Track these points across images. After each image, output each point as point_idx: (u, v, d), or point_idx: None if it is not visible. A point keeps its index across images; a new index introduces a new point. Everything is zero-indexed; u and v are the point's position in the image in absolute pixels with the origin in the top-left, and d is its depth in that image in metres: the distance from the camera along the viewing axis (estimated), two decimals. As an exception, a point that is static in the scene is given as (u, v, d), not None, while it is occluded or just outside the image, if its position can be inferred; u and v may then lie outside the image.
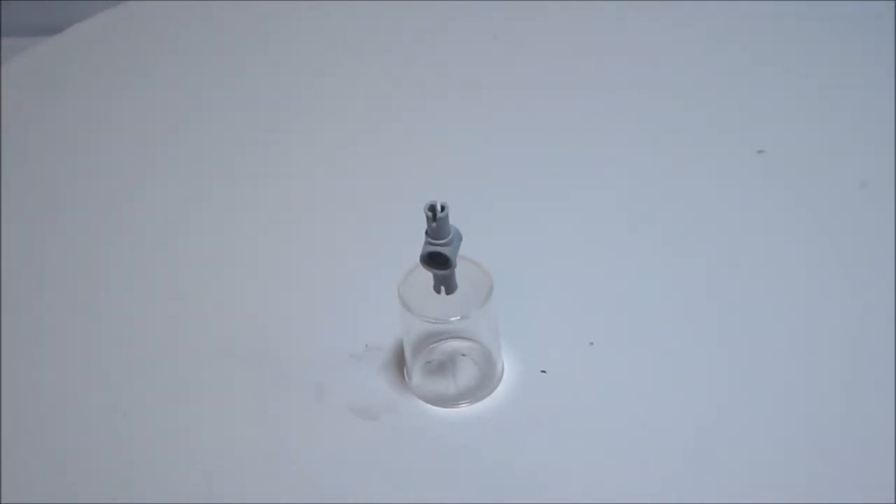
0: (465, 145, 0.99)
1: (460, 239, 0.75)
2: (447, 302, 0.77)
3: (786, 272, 0.87)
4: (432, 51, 1.08)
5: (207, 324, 0.86)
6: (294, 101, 1.04)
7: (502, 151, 0.98)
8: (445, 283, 0.77)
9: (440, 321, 0.77)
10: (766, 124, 0.98)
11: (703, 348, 0.82)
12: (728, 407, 0.79)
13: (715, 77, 1.03)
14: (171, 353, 0.84)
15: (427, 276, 0.77)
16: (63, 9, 1.17)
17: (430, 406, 0.80)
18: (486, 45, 1.08)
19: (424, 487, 0.76)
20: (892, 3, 1.06)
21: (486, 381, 0.81)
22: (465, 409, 0.80)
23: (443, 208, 0.73)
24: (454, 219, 0.75)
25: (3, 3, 1.65)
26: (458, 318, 0.77)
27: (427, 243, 0.75)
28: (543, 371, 0.82)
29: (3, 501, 0.77)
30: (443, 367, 0.82)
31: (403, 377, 0.81)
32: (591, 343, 0.83)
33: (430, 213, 0.73)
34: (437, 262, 0.75)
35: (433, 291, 0.77)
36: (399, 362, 0.82)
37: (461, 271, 0.77)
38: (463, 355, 0.83)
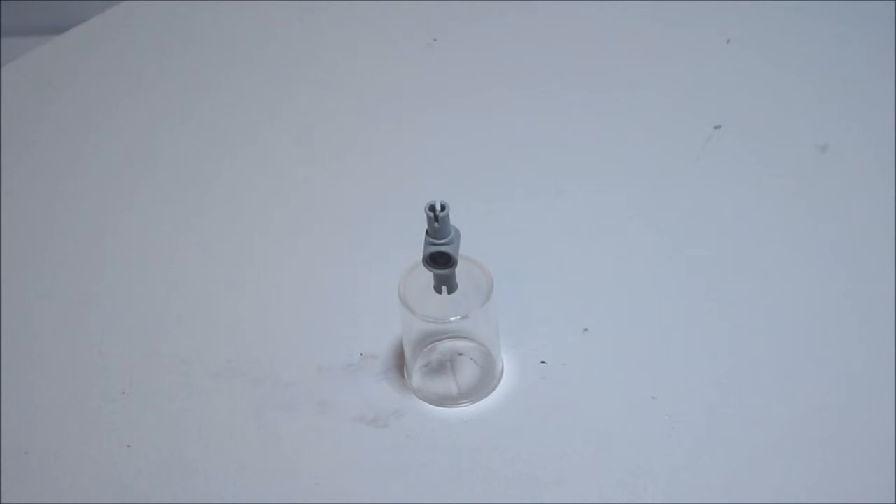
0: (464, 145, 0.99)
1: (459, 236, 0.75)
2: (447, 302, 0.77)
3: (777, 255, 0.87)
4: (431, 50, 1.08)
5: (204, 338, 0.85)
6: (293, 101, 1.04)
7: (502, 151, 0.98)
8: (447, 283, 0.77)
9: (440, 321, 0.77)
10: (721, 100, 1.00)
11: (704, 348, 0.82)
12: (728, 405, 0.79)
13: (714, 76, 1.03)
14: (166, 373, 0.83)
15: (427, 276, 0.77)
16: (63, 9, 1.17)
17: (430, 406, 0.80)
18: (486, 45, 1.08)
19: (425, 487, 0.76)
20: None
21: (486, 381, 0.81)
22: (465, 409, 0.80)
23: (443, 208, 0.73)
24: (454, 219, 0.75)
25: (2, 3, 1.64)
26: (459, 317, 0.77)
27: (429, 244, 0.75)
28: (543, 362, 0.82)
29: (3, 501, 0.77)
30: (443, 366, 0.82)
31: (403, 377, 0.81)
32: (586, 330, 0.83)
33: (432, 214, 0.73)
34: (441, 261, 0.75)
35: (433, 291, 0.78)
36: (398, 364, 0.82)
37: (461, 271, 0.77)
38: (461, 355, 0.83)
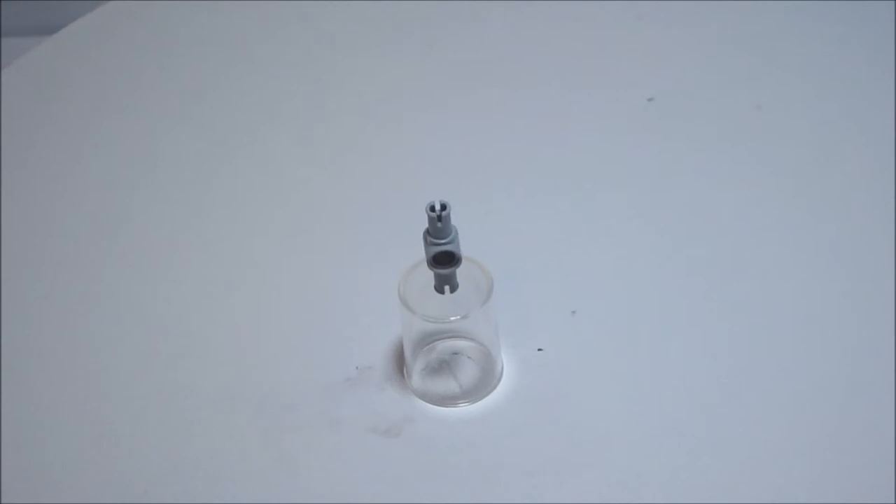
0: (463, 145, 0.99)
1: (458, 234, 0.75)
2: (447, 301, 0.77)
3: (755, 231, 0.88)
4: (431, 50, 1.08)
5: (197, 364, 0.83)
6: (292, 101, 1.04)
7: (502, 151, 0.98)
8: (449, 282, 0.77)
9: (440, 321, 0.77)
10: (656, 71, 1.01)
11: (705, 348, 0.82)
12: (729, 406, 0.79)
13: (715, 76, 1.03)
14: (164, 410, 0.82)
15: (426, 276, 0.77)
16: (63, 9, 1.17)
17: (430, 405, 0.80)
18: (485, 45, 1.08)
19: (424, 486, 0.76)
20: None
21: (485, 381, 0.81)
22: (465, 409, 0.80)
23: (444, 207, 0.73)
24: (453, 219, 0.75)
25: (2, 3, 1.65)
26: (459, 317, 0.77)
27: (431, 244, 0.75)
28: (540, 349, 0.82)
29: (3, 501, 0.77)
30: (443, 366, 0.82)
31: (404, 384, 0.81)
32: (574, 312, 0.83)
33: (434, 213, 0.73)
34: (446, 260, 0.75)
35: (433, 291, 0.78)
36: (398, 366, 0.82)
37: (461, 271, 0.77)
38: (461, 354, 0.83)
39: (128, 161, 0.99)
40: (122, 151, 1.00)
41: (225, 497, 0.76)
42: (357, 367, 0.82)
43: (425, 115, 1.02)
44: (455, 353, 0.83)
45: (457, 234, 0.75)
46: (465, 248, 0.76)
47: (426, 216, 0.74)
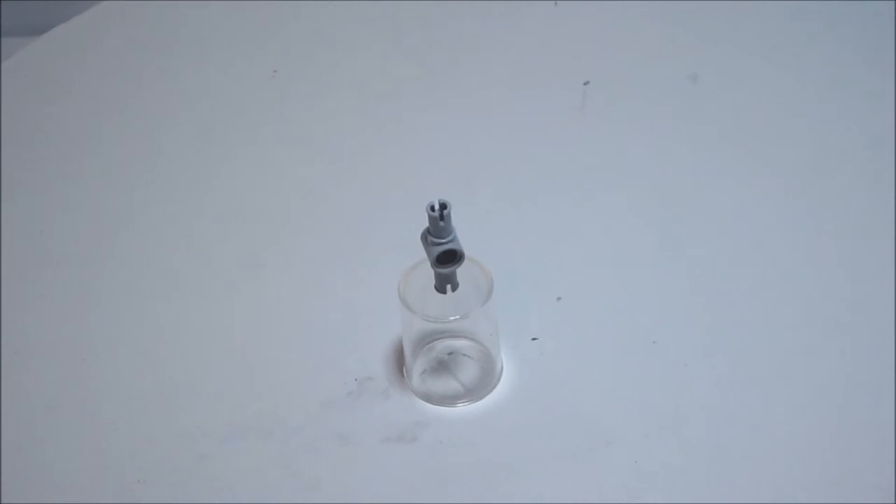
0: (463, 145, 0.99)
1: (455, 230, 0.76)
2: (447, 301, 0.77)
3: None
4: (430, 51, 1.08)
5: (199, 397, 0.82)
6: (291, 101, 1.04)
7: (501, 151, 0.98)
8: (451, 281, 0.77)
9: (441, 320, 0.78)
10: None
11: (711, 351, 0.83)
12: (729, 406, 0.79)
13: (716, 78, 1.03)
14: (174, 449, 0.80)
15: (426, 276, 0.77)
16: (63, 9, 1.17)
17: (429, 405, 0.80)
18: (484, 46, 1.08)
19: (424, 486, 0.76)
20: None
21: (485, 380, 0.81)
22: (464, 408, 0.80)
23: (444, 206, 0.73)
24: (453, 219, 0.75)
25: (2, 3, 1.65)
26: (459, 317, 0.77)
27: (433, 244, 0.75)
28: (534, 339, 0.82)
29: (3, 502, 0.77)
30: (443, 366, 0.82)
31: (407, 391, 0.81)
32: (559, 298, 0.83)
33: (437, 213, 0.73)
34: (450, 258, 0.75)
35: (433, 291, 0.78)
36: (398, 365, 0.82)
37: (461, 271, 0.77)
38: (453, 354, 0.83)
39: (124, 161, 0.99)
40: (116, 151, 1.00)
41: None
42: (356, 380, 0.81)
43: (423, 115, 1.02)
44: (455, 353, 0.83)
45: (455, 231, 0.75)
46: (465, 248, 0.76)
47: (426, 217, 0.74)
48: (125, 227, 0.94)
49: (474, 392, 0.81)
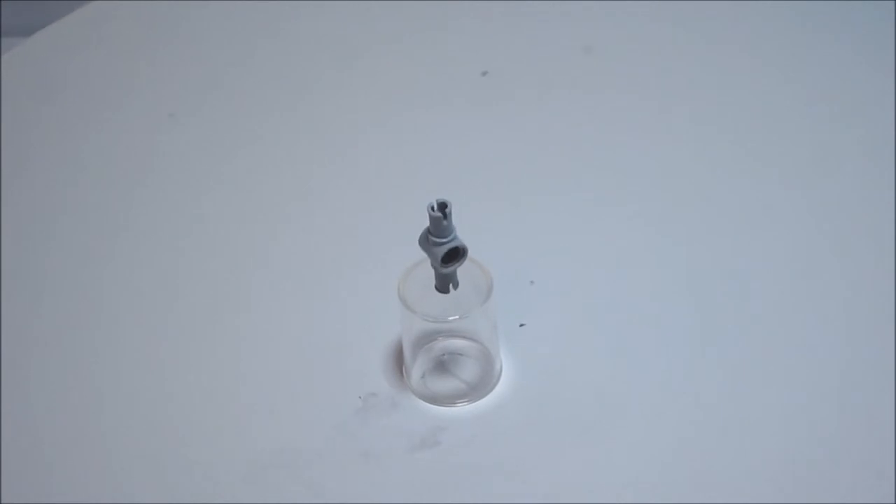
0: (462, 145, 0.99)
1: None
2: (447, 301, 0.77)
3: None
4: (430, 51, 1.08)
5: (209, 436, 0.80)
6: (289, 101, 1.04)
7: (501, 151, 0.98)
8: (453, 280, 0.77)
9: (440, 320, 0.77)
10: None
11: (709, 351, 0.82)
12: (729, 407, 0.79)
13: (715, 78, 1.03)
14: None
15: (426, 275, 0.77)
16: (63, 9, 1.17)
17: (429, 405, 0.80)
18: (485, 46, 1.08)
19: (423, 485, 0.76)
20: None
21: (485, 380, 0.81)
22: (464, 408, 0.80)
23: (445, 205, 0.73)
24: (453, 219, 0.75)
25: (2, 3, 1.65)
26: (458, 316, 0.77)
27: (435, 244, 0.74)
28: (522, 325, 0.82)
29: (3, 502, 0.77)
30: (442, 365, 0.82)
31: (402, 377, 0.81)
32: (532, 282, 0.83)
33: (440, 213, 0.73)
34: (455, 255, 0.75)
35: (432, 291, 0.78)
36: (397, 365, 0.82)
37: (461, 270, 0.77)
38: (457, 354, 0.83)
39: (122, 161, 0.99)
40: (111, 151, 1.00)
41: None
42: (360, 397, 0.80)
43: (423, 115, 1.02)
44: (454, 353, 0.83)
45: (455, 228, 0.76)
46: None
47: (427, 218, 0.74)
48: (120, 228, 0.94)
49: (473, 392, 0.81)
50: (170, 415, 0.81)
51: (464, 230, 0.76)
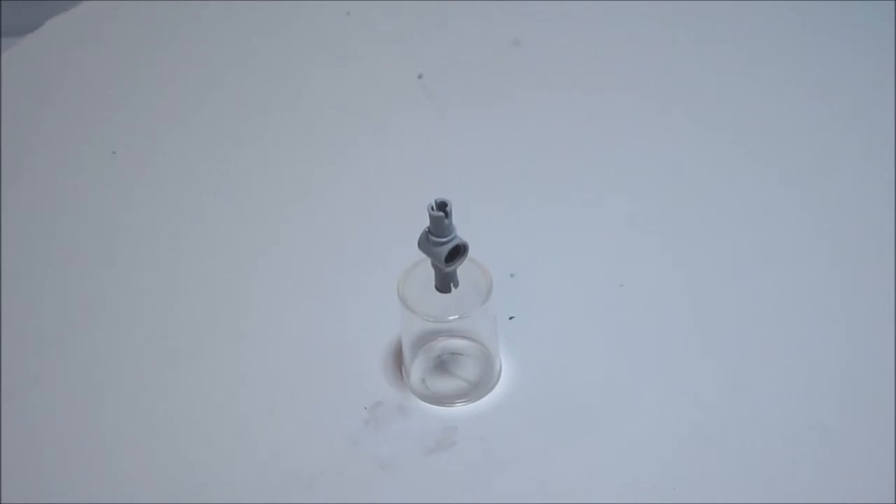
0: (462, 145, 0.99)
1: None
2: (447, 301, 0.77)
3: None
4: (429, 51, 1.08)
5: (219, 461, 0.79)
6: (289, 101, 1.04)
7: (502, 151, 0.98)
8: (454, 279, 0.77)
9: (440, 320, 0.77)
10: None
11: (707, 351, 0.83)
12: (725, 411, 0.79)
13: (715, 78, 1.03)
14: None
15: (425, 275, 0.77)
16: (63, 9, 1.17)
17: (428, 405, 0.80)
18: (485, 46, 1.08)
19: (422, 485, 0.76)
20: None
21: (484, 380, 0.81)
22: (463, 408, 0.80)
23: (445, 204, 0.73)
24: (454, 219, 0.75)
25: (2, 3, 1.65)
26: (458, 316, 0.77)
27: (438, 244, 0.74)
28: (511, 317, 0.82)
29: (3, 502, 0.77)
30: (442, 365, 0.82)
31: (402, 377, 0.81)
32: (512, 275, 0.83)
33: (442, 212, 0.73)
34: (458, 253, 0.75)
35: (432, 290, 0.78)
36: (396, 365, 0.82)
37: (460, 270, 0.77)
38: (457, 353, 0.83)
39: (122, 161, 0.99)
40: (111, 151, 1.00)
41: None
42: (366, 408, 0.80)
43: (423, 115, 1.02)
44: (454, 353, 0.83)
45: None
46: (465, 247, 0.77)
47: (427, 218, 0.74)
48: (120, 229, 0.93)
49: (470, 392, 0.81)
50: (170, 417, 0.81)
51: (463, 230, 0.76)
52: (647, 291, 0.86)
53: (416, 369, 0.82)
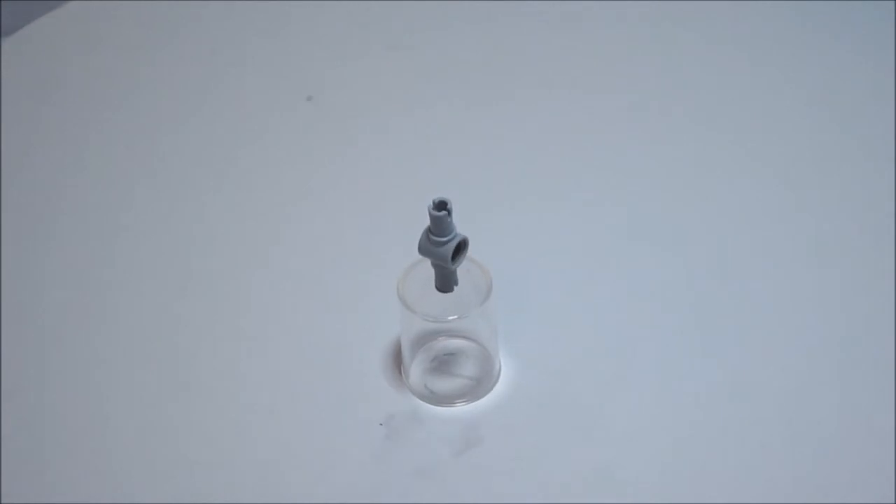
0: (462, 145, 0.99)
1: None
2: (447, 300, 0.77)
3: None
4: (430, 50, 1.08)
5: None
6: (289, 101, 1.04)
7: (501, 151, 0.98)
8: (454, 278, 0.77)
9: (440, 320, 0.77)
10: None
11: (706, 351, 0.82)
12: (725, 411, 0.79)
13: (715, 78, 1.03)
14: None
15: (425, 275, 0.77)
16: (53, 8, 1.17)
17: (427, 405, 0.80)
18: (488, 46, 1.08)
19: (421, 485, 0.76)
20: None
21: (484, 380, 0.81)
22: (463, 408, 0.80)
23: (445, 203, 0.73)
24: (454, 219, 0.75)
25: (2, 3, 1.65)
26: (457, 316, 0.77)
27: (441, 243, 0.74)
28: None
29: (3, 502, 0.77)
30: (442, 365, 0.82)
31: (401, 376, 0.81)
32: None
33: (445, 211, 0.73)
34: (460, 250, 0.75)
35: (432, 290, 0.78)
36: (396, 364, 0.82)
37: (460, 270, 0.77)
38: (456, 353, 0.83)
39: (122, 161, 0.99)
40: (110, 151, 1.00)
41: None
42: (381, 424, 0.79)
43: (423, 115, 1.02)
44: (454, 353, 0.83)
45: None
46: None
47: (430, 218, 0.73)
48: (119, 229, 0.93)
49: (469, 392, 0.81)
50: (170, 417, 0.81)
51: (462, 230, 0.76)
52: (647, 291, 0.86)
53: (416, 369, 0.82)
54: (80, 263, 0.91)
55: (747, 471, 0.76)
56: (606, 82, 1.03)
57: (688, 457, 0.77)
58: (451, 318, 0.77)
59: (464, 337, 0.82)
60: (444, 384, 0.81)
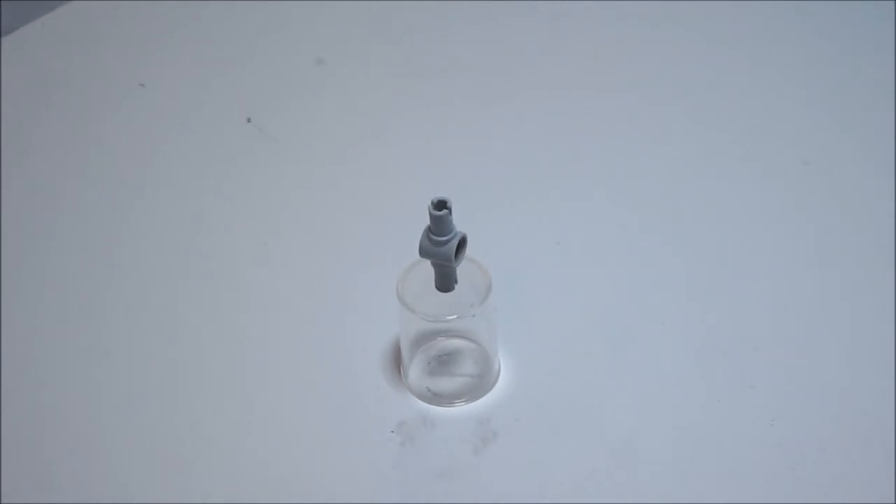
0: (462, 145, 0.99)
1: None
2: (446, 300, 0.77)
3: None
4: (430, 50, 1.08)
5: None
6: (288, 101, 1.04)
7: (501, 151, 0.98)
8: (454, 276, 0.77)
9: (439, 319, 0.77)
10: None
11: (706, 351, 0.83)
12: (725, 411, 0.79)
13: (715, 78, 1.03)
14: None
15: (424, 275, 0.77)
16: (54, 8, 1.17)
17: (427, 404, 0.80)
18: (487, 46, 1.08)
19: (421, 485, 0.76)
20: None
21: (483, 380, 0.81)
22: (462, 408, 0.80)
23: (445, 202, 0.73)
24: (454, 219, 0.75)
25: (2, 3, 1.64)
26: (457, 316, 0.77)
27: (442, 243, 0.74)
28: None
29: (3, 502, 0.77)
30: (441, 365, 0.82)
31: (400, 376, 0.81)
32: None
33: (446, 210, 0.73)
34: (462, 246, 0.75)
35: (431, 290, 0.78)
36: (395, 364, 0.82)
37: (460, 270, 0.77)
38: (456, 353, 0.83)
39: (122, 161, 0.99)
40: (110, 151, 1.00)
41: None
42: (393, 431, 0.79)
43: (423, 115, 1.02)
44: (453, 353, 0.83)
45: None
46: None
47: (430, 218, 0.73)
48: (119, 229, 0.93)
49: (469, 392, 0.81)
50: (171, 417, 0.81)
51: (466, 230, 0.76)
52: (647, 291, 0.86)
53: (415, 369, 0.82)
54: (81, 263, 0.91)
55: (747, 470, 0.76)
56: (606, 82, 1.03)
57: (687, 456, 0.77)
58: (450, 317, 0.77)
59: (463, 337, 0.82)
60: (443, 384, 0.81)
